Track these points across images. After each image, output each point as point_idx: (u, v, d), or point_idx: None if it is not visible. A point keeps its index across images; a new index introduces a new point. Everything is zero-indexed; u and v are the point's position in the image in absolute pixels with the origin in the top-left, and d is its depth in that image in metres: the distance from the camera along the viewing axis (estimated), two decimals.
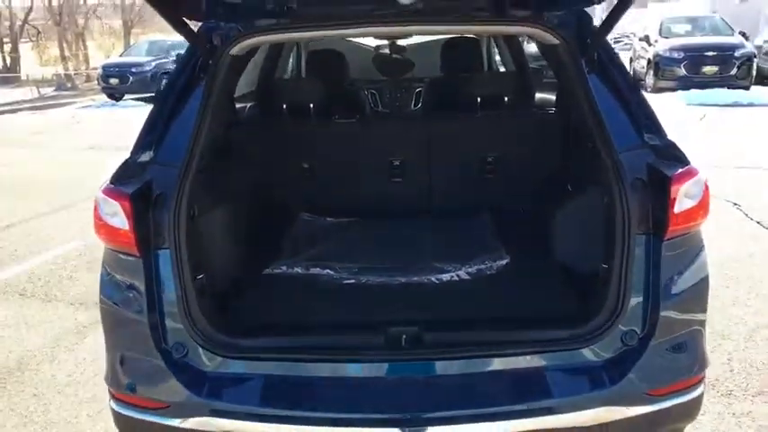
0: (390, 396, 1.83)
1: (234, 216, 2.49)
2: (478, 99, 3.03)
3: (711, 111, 11.44)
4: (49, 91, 24.76)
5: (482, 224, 2.95)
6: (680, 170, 1.91)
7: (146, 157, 2.04)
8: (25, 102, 20.61)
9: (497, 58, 4.57)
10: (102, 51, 39.59)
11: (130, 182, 1.96)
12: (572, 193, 2.42)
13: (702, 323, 2.01)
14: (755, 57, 14.69)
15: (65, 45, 37.10)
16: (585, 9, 2.24)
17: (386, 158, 3.13)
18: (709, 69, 13.38)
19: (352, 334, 2.01)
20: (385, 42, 4.83)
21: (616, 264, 1.91)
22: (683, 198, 1.89)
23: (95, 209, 1.99)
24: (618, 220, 1.91)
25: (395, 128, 3.30)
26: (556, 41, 2.13)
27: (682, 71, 13.48)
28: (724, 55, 13.47)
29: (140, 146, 2.08)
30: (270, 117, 3.34)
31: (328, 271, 2.57)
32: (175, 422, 1.85)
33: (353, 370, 1.91)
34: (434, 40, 4.48)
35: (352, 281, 2.51)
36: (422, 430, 1.75)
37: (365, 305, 2.31)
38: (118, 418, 2.00)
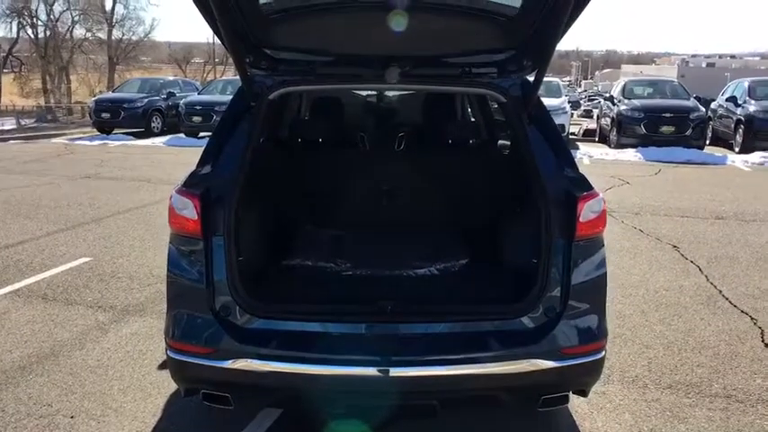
0: (373, 347, 2.52)
1: (264, 220, 3.27)
2: (449, 141, 3.89)
3: (667, 167, 12.45)
4: (29, 122, 24.88)
5: (449, 235, 3.75)
6: (585, 193, 2.68)
7: (207, 169, 2.77)
8: (6, 131, 20.73)
9: (469, 110, 5.42)
10: (84, 86, 40.08)
11: (197, 186, 2.68)
12: (514, 211, 3.22)
13: (603, 304, 2.73)
14: (710, 119, 15.91)
15: (48, 78, 37.44)
16: (527, 77, 3.04)
17: (376, 184, 3.92)
18: (666, 129, 14.42)
19: (349, 304, 2.73)
20: (374, 93, 5.69)
21: (542, 260, 2.66)
22: (588, 212, 2.65)
23: (170, 204, 2.68)
24: (543, 227, 2.67)
25: (384, 161, 4.09)
26: (504, 100, 2.93)
27: (642, 130, 14.51)
28: (680, 117, 14.50)
29: (203, 162, 2.81)
30: (289, 149, 4.11)
31: (332, 265, 3.33)
32: (222, 364, 2.51)
33: (348, 328, 2.60)
34: (415, 94, 5.35)
35: (350, 273, 3.27)
36: (390, 370, 2.43)
37: (359, 287, 3.08)
38: (174, 363, 2.64)
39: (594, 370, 2.68)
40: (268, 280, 3.06)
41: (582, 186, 2.71)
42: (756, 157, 13.29)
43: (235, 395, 2.59)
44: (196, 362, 2.55)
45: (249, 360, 2.49)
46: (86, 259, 6.08)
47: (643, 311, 4.79)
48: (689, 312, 4.79)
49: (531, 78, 3.01)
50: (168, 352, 2.66)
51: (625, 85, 16.82)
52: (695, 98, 15.64)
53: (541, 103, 3.01)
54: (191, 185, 2.68)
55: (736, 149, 14.63)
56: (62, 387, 3.60)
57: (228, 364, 2.50)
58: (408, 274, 3.22)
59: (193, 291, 2.61)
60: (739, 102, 15.13)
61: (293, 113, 4.94)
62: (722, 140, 15.90)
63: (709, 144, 15.67)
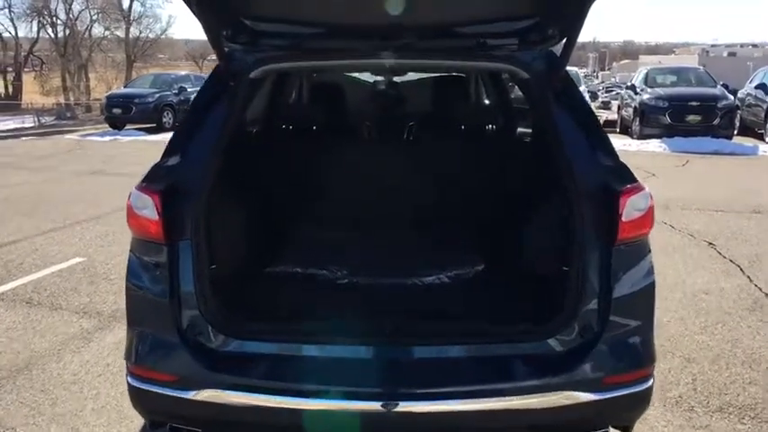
0: (373, 375, 2.08)
1: (244, 220, 2.78)
2: (462, 127, 3.37)
3: (694, 158, 11.86)
4: (49, 119, 25.12)
5: (463, 236, 3.26)
6: (627, 186, 2.20)
7: (173, 161, 2.32)
8: (26, 129, 20.98)
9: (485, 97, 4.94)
10: (103, 83, 40.32)
11: (160, 181, 2.24)
12: (540, 208, 2.73)
13: (650, 321, 2.26)
14: (738, 108, 15.23)
15: (67, 76, 37.79)
16: (551, 49, 2.56)
17: (380, 178, 3.44)
18: (692, 118, 13.78)
19: (342, 322, 2.26)
20: (381, 78, 5.21)
21: (574, 267, 2.19)
22: (631, 210, 2.17)
23: (128, 202, 2.26)
24: (576, 228, 2.20)
25: (389, 152, 3.62)
26: (526, 76, 2.46)
27: (666, 119, 13.89)
28: (707, 105, 13.85)
29: (169, 152, 2.37)
30: (274, 136, 3.65)
31: (324, 271, 2.86)
32: (186, 394, 2.09)
33: (342, 352, 2.16)
34: (426, 78, 4.87)
35: (346, 281, 2.80)
36: (397, 405, 1.98)
37: (356, 299, 2.60)
38: (134, 391, 2.22)
39: (641, 402, 2.22)
40: (248, 292, 2.62)
41: (624, 178, 2.24)
42: None
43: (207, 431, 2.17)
44: (159, 391, 2.13)
45: (221, 390, 2.06)
46: (79, 259, 5.74)
47: (682, 318, 4.30)
48: (733, 319, 4.29)
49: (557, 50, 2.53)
50: (128, 378, 2.25)
51: (648, 73, 16.20)
52: (723, 85, 14.94)
53: (570, 79, 2.53)
54: (152, 180, 2.25)
55: (767, 139, 13.96)
56: (31, 406, 3.22)
57: (194, 395, 2.08)
58: (414, 283, 2.76)
59: (155, 306, 2.20)
60: None
61: (288, 99, 4.48)
62: (751, 130, 15.23)
63: (737, 134, 14.99)
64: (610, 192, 2.19)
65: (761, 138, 14.43)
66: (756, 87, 15.23)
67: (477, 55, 2.54)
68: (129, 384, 2.24)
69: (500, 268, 2.92)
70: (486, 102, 4.60)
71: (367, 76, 5.58)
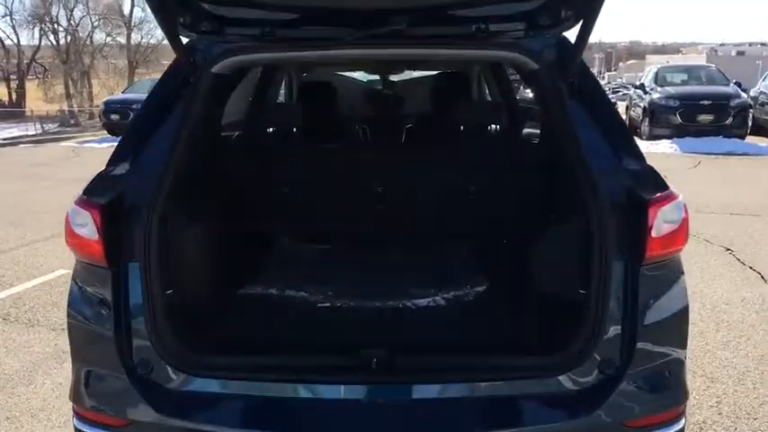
0: (358, 420, 1.78)
1: (212, 236, 2.45)
2: (462, 129, 3.03)
3: (706, 159, 11.52)
4: (52, 127, 25.05)
5: (461, 251, 2.92)
6: (658, 194, 1.88)
7: (121, 169, 2.03)
8: (28, 136, 20.90)
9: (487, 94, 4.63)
10: (105, 90, 40.36)
11: (102, 193, 1.95)
12: (551, 220, 2.40)
13: (682, 353, 1.96)
14: (751, 107, 14.88)
15: (70, 83, 37.87)
16: (564, 35, 2.24)
17: (369, 185, 3.12)
18: (704, 118, 13.47)
19: (320, 355, 1.96)
20: (377, 78, 4.92)
21: (593, 289, 1.87)
22: (662, 222, 1.86)
23: (66, 220, 1.97)
24: (595, 244, 1.88)
25: (379, 155, 3.29)
26: (535, 67, 2.13)
27: (677, 119, 13.58)
28: (719, 104, 13.55)
29: (117, 158, 2.07)
30: (256, 140, 3.35)
31: (303, 293, 2.53)
32: None
33: (321, 392, 1.86)
34: (424, 77, 4.56)
35: (327, 304, 2.48)
36: None
37: (337, 327, 2.27)
38: None
39: None
40: (212, 319, 2.30)
41: (652, 184, 1.92)
42: None
43: None
44: None
45: None
46: (63, 272, 5.45)
47: (701, 332, 3.98)
48: (758, 333, 3.98)
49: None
50: (74, 420, 1.96)
51: (657, 71, 15.86)
52: (735, 83, 14.57)
53: (588, 69, 2.20)
54: (93, 192, 1.96)
55: None
56: None
57: None
58: (406, 307, 2.44)
59: (99, 340, 1.90)
60: None
61: (274, 101, 4.17)
62: (764, 129, 14.90)
63: (750, 134, 14.62)
64: (637, 201, 1.87)
65: None
66: None
67: (476, 43, 2.20)
68: (75, 428, 1.95)
69: (505, 289, 2.58)
70: (490, 100, 4.27)
71: (362, 76, 5.30)
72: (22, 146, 17.84)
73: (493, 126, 3.36)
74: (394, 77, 4.90)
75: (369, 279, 2.62)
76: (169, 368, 1.87)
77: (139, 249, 1.89)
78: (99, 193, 1.95)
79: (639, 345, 1.84)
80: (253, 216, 2.99)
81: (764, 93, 15.23)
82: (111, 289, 1.88)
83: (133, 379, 1.86)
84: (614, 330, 1.85)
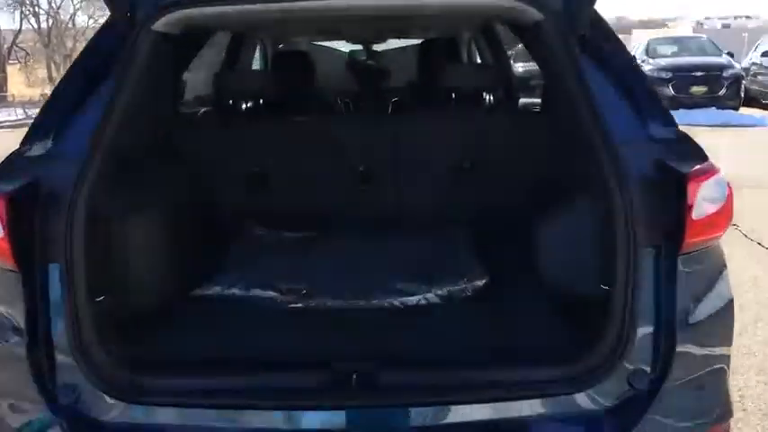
0: None
1: (160, 227, 2.07)
2: (453, 95, 2.66)
3: (702, 131, 11.25)
4: (35, 111, 24.45)
5: (458, 239, 2.54)
6: (697, 167, 1.55)
7: (39, 150, 1.68)
8: (9, 121, 20.41)
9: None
10: None
11: (11, 179, 1.59)
12: (564, 201, 2.03)
13: (727, 359, 1.65)
14: (744, 78, 14.65)
15: (53, 66, 37.26)
16: None
17: (350, 164, 2.75)
18: (697, 89, 13.22)
19: (289, 373, 1.61)
20: (359, 48, 4.56)
21: (619, 285, 1.54)
22: (702, 202, 1.54)
23: None
24: (620, 230, 1.55)
25: (361, 129, 2.91)
26: (539, 17, 1.78)
27: (670, 91, 13.29)
28: (712, 75, 13.33)
29: (33, 136, 1.70)
30: (220, 114, 2.97)
31: (271, 293, 2.15)
32: None
33: (290, 421, 1.52)
34: (410, 46, 4.21)
35: (300, 305, 2.10)
36: None
37: (310, 335, 1.88)
38: None
39: None
40: (158, 330, 1.92)
41: (689, 154, 1.59)
42: None
43: None
44: None
45: None
46: None
47: None
48: None
49: None
50: None
51: (648, 43, 15.58)
52: (728, 54, 14.32)
53: (603, 20, 1.85)
54: (1, 179, 1.60)
55: None
56: None
57: None
58: (393, 305, 2.08)
59: (10, 361, 1.55)
60: None
61: (245, 73, 3.76)
62: (755, 100, 14.69)
63: (743, 105, 14.43)
64: (671, 176, 1.54)
65: (767, 108, 13.88)
66: (763, 55, 14.62)
67: None
68: None
69: (510, 284, 2.20)
70: (483, 66, 3.89)
71: (344, 47, 4.91)
72: (2, 130, 17.30)
73: (487, 96, 2.97)
74: (378, 47, 4.53)
75: (349, 273, 2.23)
76: (102, 394, 1.52)
77: (63, 247, 1.54)
78: (6, 179, 1.59)
79: (678, 353, 1.52)
80: (214, 202, 2.62)
81: (756, 63, 14.99)
82: (22, 298, 1.53)
83: (55, 409, 1.50)
84: (646, 335, 1.53)
